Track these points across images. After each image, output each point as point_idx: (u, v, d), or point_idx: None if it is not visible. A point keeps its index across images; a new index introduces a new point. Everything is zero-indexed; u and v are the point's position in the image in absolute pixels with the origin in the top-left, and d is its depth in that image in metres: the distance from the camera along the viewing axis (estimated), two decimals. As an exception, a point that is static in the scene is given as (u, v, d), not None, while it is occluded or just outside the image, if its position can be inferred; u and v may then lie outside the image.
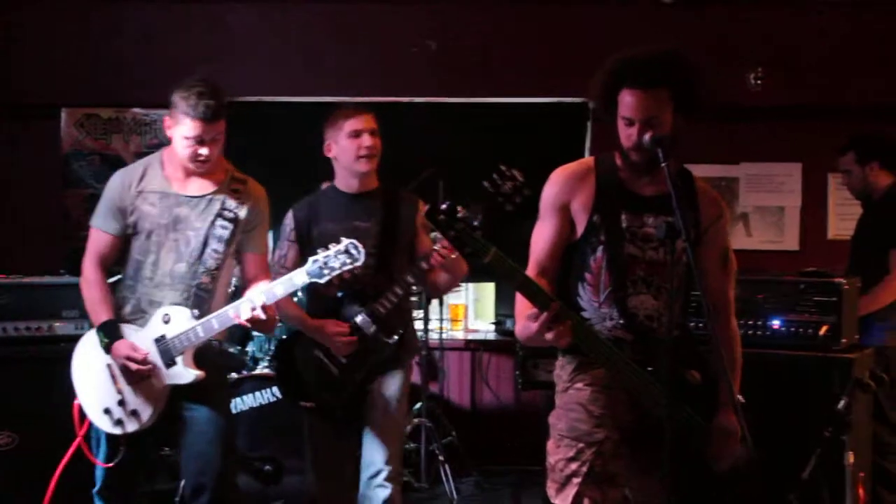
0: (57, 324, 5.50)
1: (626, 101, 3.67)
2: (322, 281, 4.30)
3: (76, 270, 6.56)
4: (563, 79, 7.21)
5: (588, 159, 3.97)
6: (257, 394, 5.80)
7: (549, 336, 3.53)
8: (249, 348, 6.63)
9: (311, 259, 4.31)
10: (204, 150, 4.49)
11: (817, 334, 5.34)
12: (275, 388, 5.90)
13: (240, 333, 6.26)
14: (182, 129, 4.47)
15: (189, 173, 4.63)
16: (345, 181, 4.96)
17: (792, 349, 5.39)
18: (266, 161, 6.80)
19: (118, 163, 7.68)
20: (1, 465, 5.51)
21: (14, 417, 5.58)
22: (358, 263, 4.29)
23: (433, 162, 6.81)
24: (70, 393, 5.48)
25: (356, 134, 4.81)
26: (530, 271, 3.87)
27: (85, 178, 7.74)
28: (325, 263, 4.27)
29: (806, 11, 7.70)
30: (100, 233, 4.67)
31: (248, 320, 4.35)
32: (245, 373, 6.35)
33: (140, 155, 6.73)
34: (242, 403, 6.13)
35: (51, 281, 5.83)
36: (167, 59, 7.61)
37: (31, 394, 5.51)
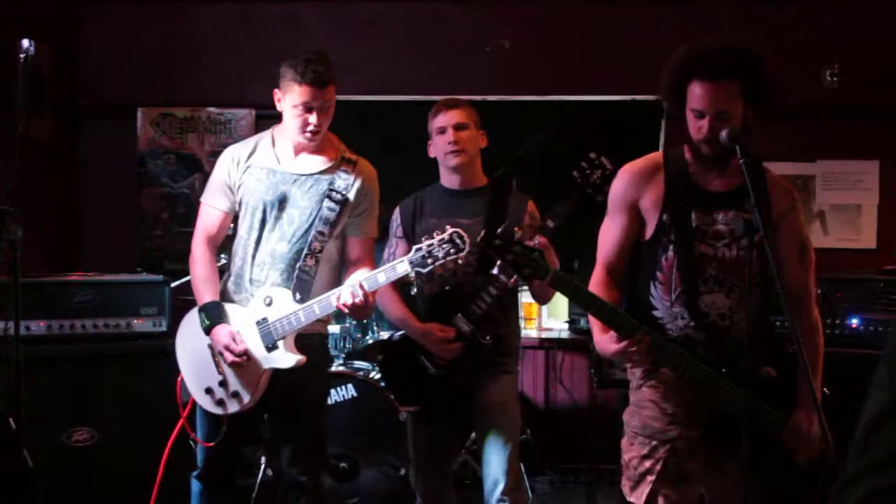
0: (135, 321, 5.53)
1: (696, 93, 3.63)
2: (425, 271, 4.18)
3: (152, 268, 6.65)
4: (636, 77, 7.14)
5: (656, 154, 3.92)
6: (332, 391, 5.76)
7: (628, 362, 3.58)
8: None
9: (414, 248, 4.19)
10: (313, 119, 4.39)
11: (896, 333, 5.28)
12: (350, 386, 5.86)
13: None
14: (291, 97, 4.39)
15: (298, 150, 4.56)
16: (446, 177, 4.89)
17: (871, 348, 5.33)
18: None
19: (193, 162, 7.78)
20: (79, 461, 5.52)
21: (93, 414, 5.59)
22: (462, 253, 4.15)
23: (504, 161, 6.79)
24: (149, 388, 5.56)
25: (441, 130, 4.76)
26: (598, 269, 3.88)
27: (160, 177, 7.81)
28: (430, 252, 4.13)
29: (882, 7, 7.59)
30: (208, 208, 4.62)
31: (345, 305, 4.25)
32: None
33: (215, 154, 6.76)
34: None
35: (129, 279, 5.84)
36: (242, 60, 7.69)
37: (109, 390, 5.55)
